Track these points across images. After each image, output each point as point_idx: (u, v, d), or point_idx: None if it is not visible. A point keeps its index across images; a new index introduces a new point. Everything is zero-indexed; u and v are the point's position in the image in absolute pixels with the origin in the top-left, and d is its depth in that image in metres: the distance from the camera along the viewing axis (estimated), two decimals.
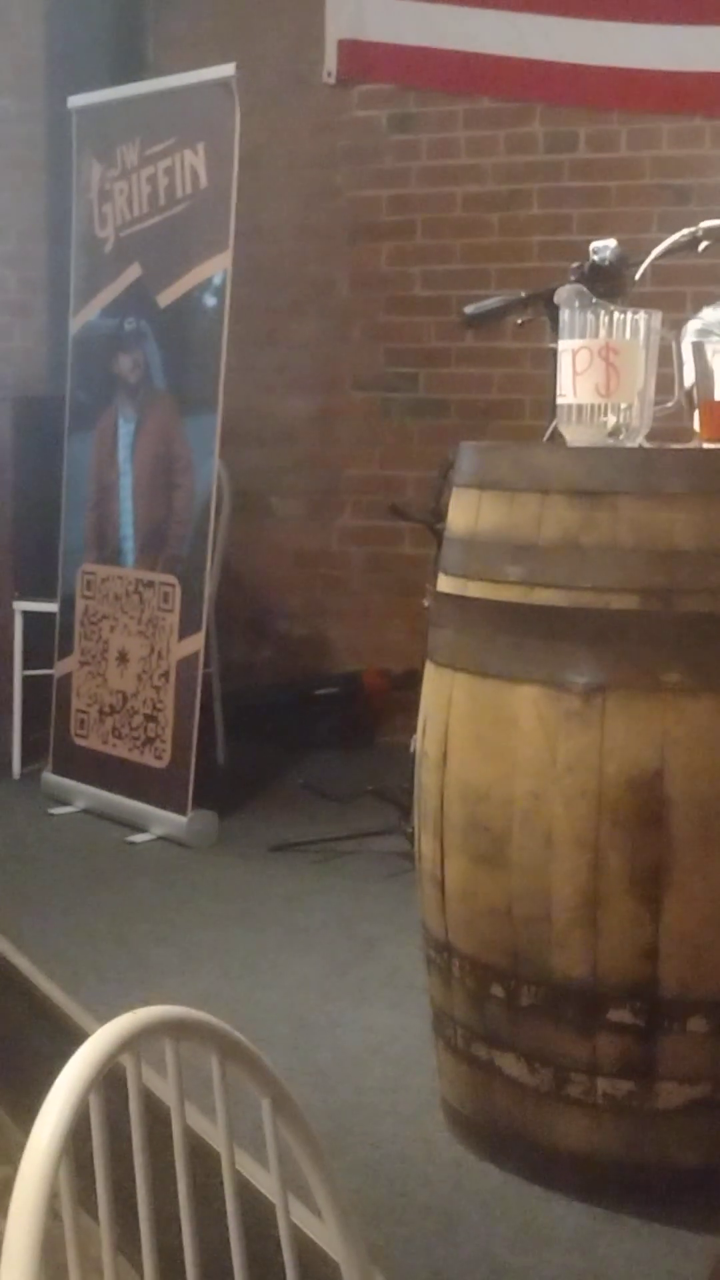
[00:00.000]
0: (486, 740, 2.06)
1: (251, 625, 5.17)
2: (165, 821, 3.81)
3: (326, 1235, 1.14)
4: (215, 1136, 1.06)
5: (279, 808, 4.08)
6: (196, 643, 3.85)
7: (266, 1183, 1.44)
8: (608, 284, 2.70)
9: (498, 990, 2.08)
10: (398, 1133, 2.24)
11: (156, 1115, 1.05)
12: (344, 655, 5.09)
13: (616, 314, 2.17)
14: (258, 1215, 1.08)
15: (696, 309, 3.29)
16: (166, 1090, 1.03)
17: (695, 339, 3.16)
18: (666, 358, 2.31)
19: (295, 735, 4.79)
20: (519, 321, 2.89)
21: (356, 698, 4.93)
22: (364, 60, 4.79)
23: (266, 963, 2.95)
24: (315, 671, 5.09)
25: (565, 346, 2.19)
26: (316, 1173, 1.12)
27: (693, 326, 3.24)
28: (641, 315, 2.16)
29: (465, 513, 2.16)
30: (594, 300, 2.31)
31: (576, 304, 2.28)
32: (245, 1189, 1.08)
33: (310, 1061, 2.48)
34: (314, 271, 5.01)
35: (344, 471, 5.04)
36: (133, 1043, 0.94)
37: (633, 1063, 2.00)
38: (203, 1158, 1.06)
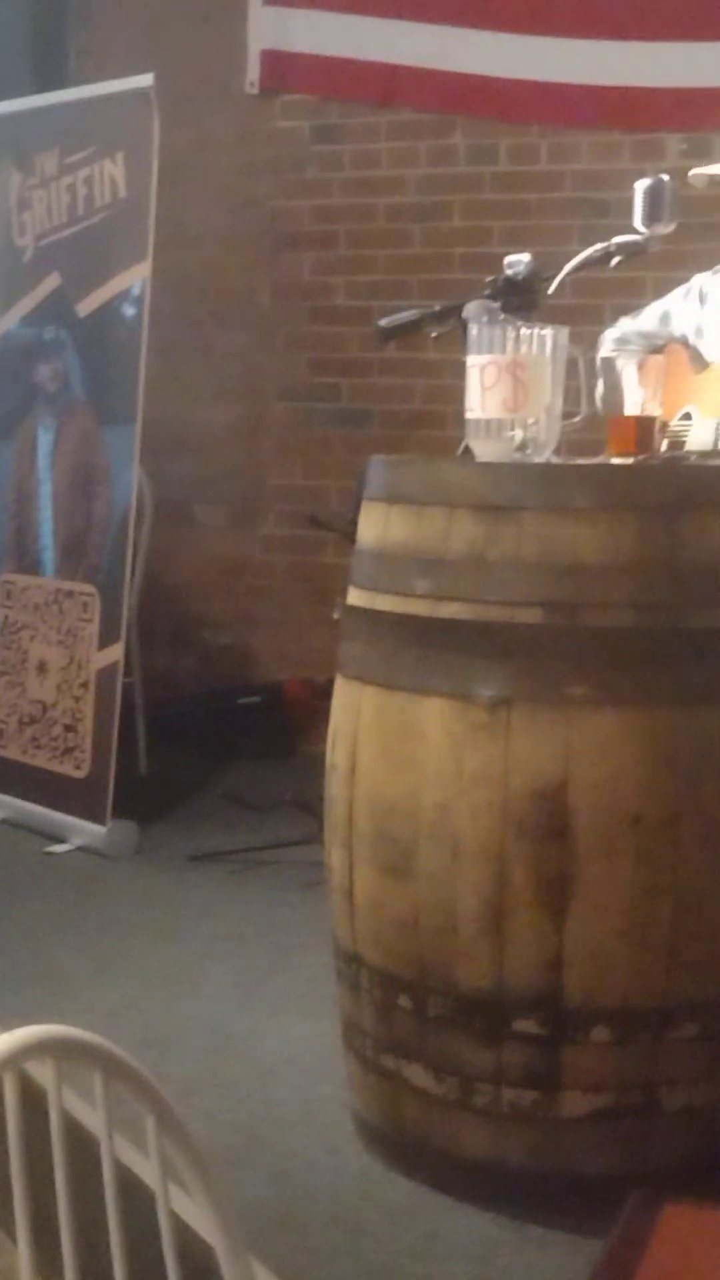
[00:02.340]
0: (394, 753, 2.07)
1: (175, 634, 5.16)
2: (84, 832, 3.79)
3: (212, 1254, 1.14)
4: (104, 1154, 1.06)
5: (200, 817, 4.07)
6: (116, 652, 3.83)
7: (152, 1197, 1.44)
8: (522, 298, 2.71)
9: (405, 1001, 2.09)
10: (307, 1143, 2.25)
11: (46, 1135, 1.05)
12: (267, 664, 5.09)
13: (524, 329, 2.19)
14: (144, 1229, 1.09)
15: (615, 322, 3.33)
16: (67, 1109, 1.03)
17: (610, 352, 3.20)
18: (576, 372, 2.34)
19: (218, 744, 4.79)
20: (434, 334, 2.91)
21: (279, 707, 4.93)
22: (286, 71, 4.80)
23: (183, 973, 2.94)
24: (238, 680, 5.09)
25: (473, 362, 2.21)
26: (202, 1192, 1.12)
27: (609, 336, 3.28)
28: (548, 331, 2.19)
29: (374, 526, 2.18)
30: (502, 316, 2.33)
31: (485, 319, 2.30)
32: (130, 1198, 1.08)
33: (222, 1072, 2.48)
34: (237, 281, 5.01)
35: (267, 481, 5.05)
36: (10, 1062, 0.94)
37: (537, 1072, 2.02)
38: (90, 1179, 1.07)
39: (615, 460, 2.38)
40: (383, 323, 2.87)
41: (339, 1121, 2.29)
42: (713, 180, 2.97)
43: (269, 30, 4.80)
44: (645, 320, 3.22)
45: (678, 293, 3.18)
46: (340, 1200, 2.09)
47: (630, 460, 2.35)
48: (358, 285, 4.85)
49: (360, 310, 4.78)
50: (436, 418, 4.69)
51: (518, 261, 2.74)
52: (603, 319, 3.41)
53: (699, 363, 3.04)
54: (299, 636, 4.98)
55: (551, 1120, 2.03)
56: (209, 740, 4.80)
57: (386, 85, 4.70)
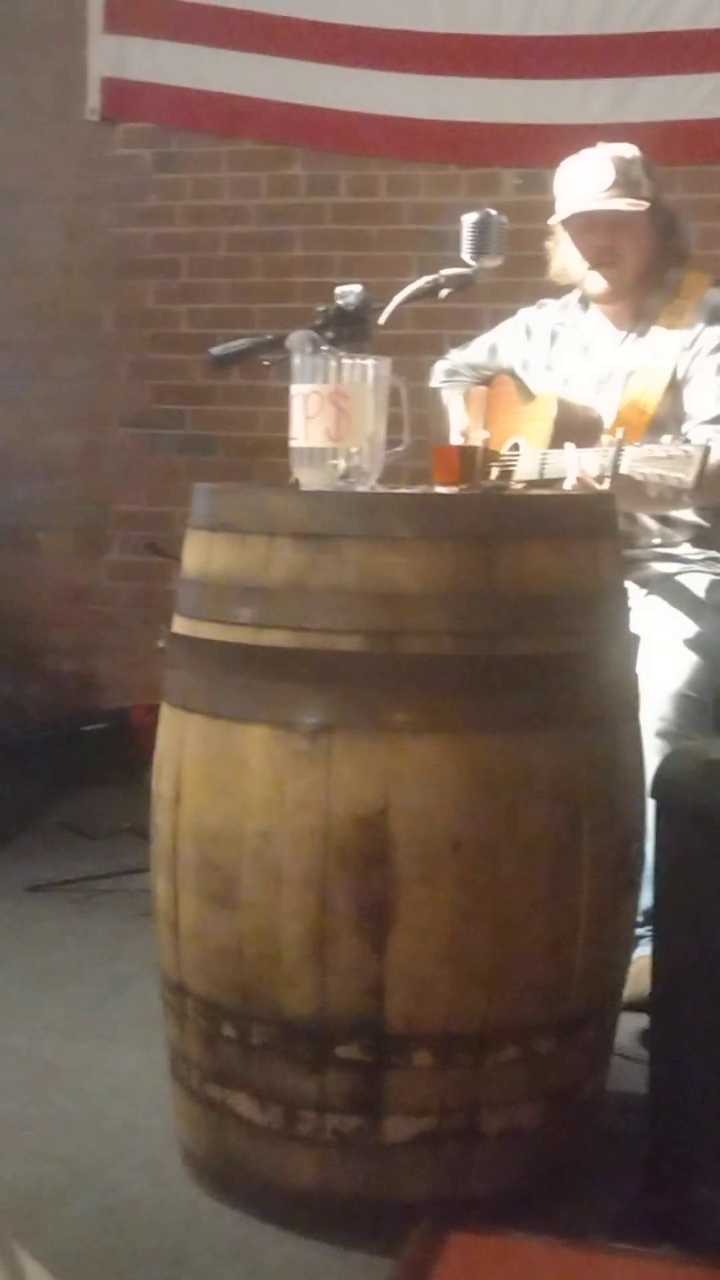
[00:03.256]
0: (218, 780, 2.07)
1: (19, 661, 5.10)
2: None
3: None
4: None
5: (41, 847, 4.02)
6: None
7: None
8: (353, 328, 2.74)
9: (229, 1030, 2.09)
10: (133, 1177, 2.23)
11: None
12: (113, 691, 5.05)
13: (345, 359, 2.21)
14: None
15: (447, 353, 3.38)
16: None
17: (440, 382, 3.25)
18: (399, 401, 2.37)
19: (62, 772, 4.73)
20: (266, 363, 2.93)
21: (124, 734, 4.89)
22: (127, 98, 4.80)
23: (14, 1005, 2.90)
24: (83, 708, 5.04)
25: (297, 391, 2.23)
26: None
27: (440, 367, 3.32)
28: (369, 361, 2.21)
29: (197, 554, 2.18)
30: (325, 346, 2.35)
31: (308, 349, 2.31)
32: None
33: (50, 1106, 2.45)
34: (80, 307, 4.98)
35: (112, 507, 5.02)
36: None
37: (361, 1098, 2.03)
38: None
39: (440, 489, 2.42)
40: (214, 351, 2.88)
41: (167, 1154, 2.27)
42: (612, 217, 2.97)
43: (109, 58, 4.79)
44: (474, 352, 3.28)
45: (505, 326, 3.24)
46: (165, 1234, 2.07)
47: (454, 489, 2.40)
48: (200, 313, 4.86)
49: (203, 338, 4.75)
50: (280, 445, 4.62)
51: (348, 292, 2.77)
52: (441, 349, 3.45)
53: (525, 394, 3.09)
54: (145, 663, 4.94)
55: (375, 1146, 2.04)
56: (53, 768, 4.75)
57: (228, 115, 4.73)
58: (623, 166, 2.94)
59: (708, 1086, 1.97)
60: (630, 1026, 2.41)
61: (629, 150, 2.98)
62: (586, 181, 2.96)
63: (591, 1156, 2.21)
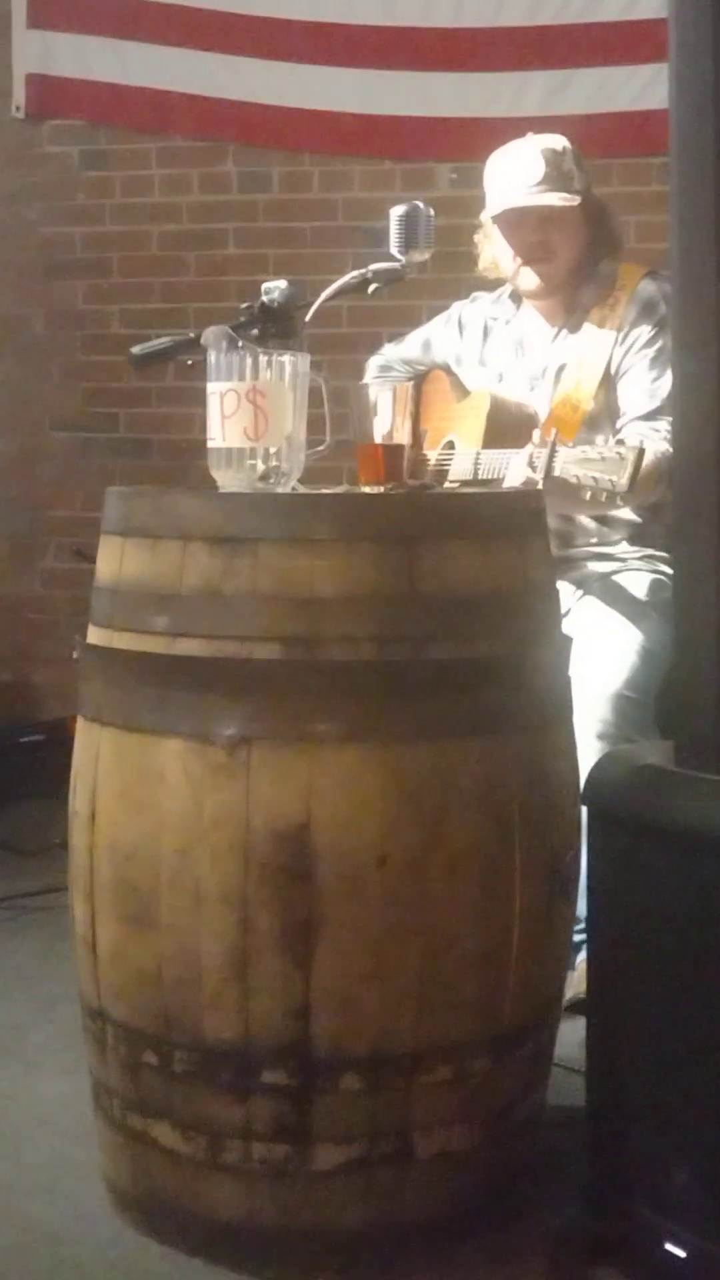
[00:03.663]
0: (133, 797, 1.99)
1: None
2: None
3: None
4: None
5: None
6: None
7: None
8: (279, 324, 2.67)
9: (150, 1057, 2.00)
10: (56, 1210, 2.14)
11: None
12: (50, 702, 4.94)
13: (262, 356, 2.13)
14: None
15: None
16: None
17: (374, 378, 3.17)
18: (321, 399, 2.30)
19: None
20: (189, 362, 2.84)
21: (61, 745, 4.77)
22: (53, 95, 4.71)
23: None
24: (20, 718, 4.93)
25: (213, 389, 2.15)
26: None
27: (374, 363, 3.25)
28: (287, 357, 2.14)
29: (110, 561, 2.10)
30: (241, 342, 2.27)
31: (224, 345, 2.23)
32: None
33: None
34: (9, 309, 4.88)
35: (46, 513, 4.92)
36: None
37: (287, 1125, 1.95)
38: None
39: (366, 489, 2.35)
40: (135, 351, 2.80)
41: (92, 1186, 2.18)
42: (544, 212, 2.90)
43: (34, 54, 4.70)
44: (408, 347, 3.21)
45: (439, 320, 3.17)
46: (85, 1271, 1.99)
47: (379, 489, 2.32)
48: (132, 313, 4.76)
49: (136, 339, 4.57)
50: None
51: (274, 287, 2.70)
52: (377, 347, 3.38)
53: (459, 390, 3.03)
54: None
55: (304, 1174, 1.96)
56: None
57: (157, 111, 4.64)
58: (554, 159, 2.87)
59: (644, 1101, 1.90)
60: (576, 1036, 2.34)
61: (559, 142, 2.91)
62: (517, 175, 2.88)
63: (531, 1176, 2.14)
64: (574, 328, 2.94)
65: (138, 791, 1.98)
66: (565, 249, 2.91)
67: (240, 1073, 1.94)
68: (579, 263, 2.93)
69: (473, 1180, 2.04)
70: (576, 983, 2.22)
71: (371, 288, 2.74)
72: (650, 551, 2.91)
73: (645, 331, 2.85)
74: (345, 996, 1.91)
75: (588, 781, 2.01)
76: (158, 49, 4.60)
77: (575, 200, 2.87)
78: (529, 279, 2.94)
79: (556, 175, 2.87)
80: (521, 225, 2.91)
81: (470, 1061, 1.99)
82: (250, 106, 4.59)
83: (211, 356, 2.16)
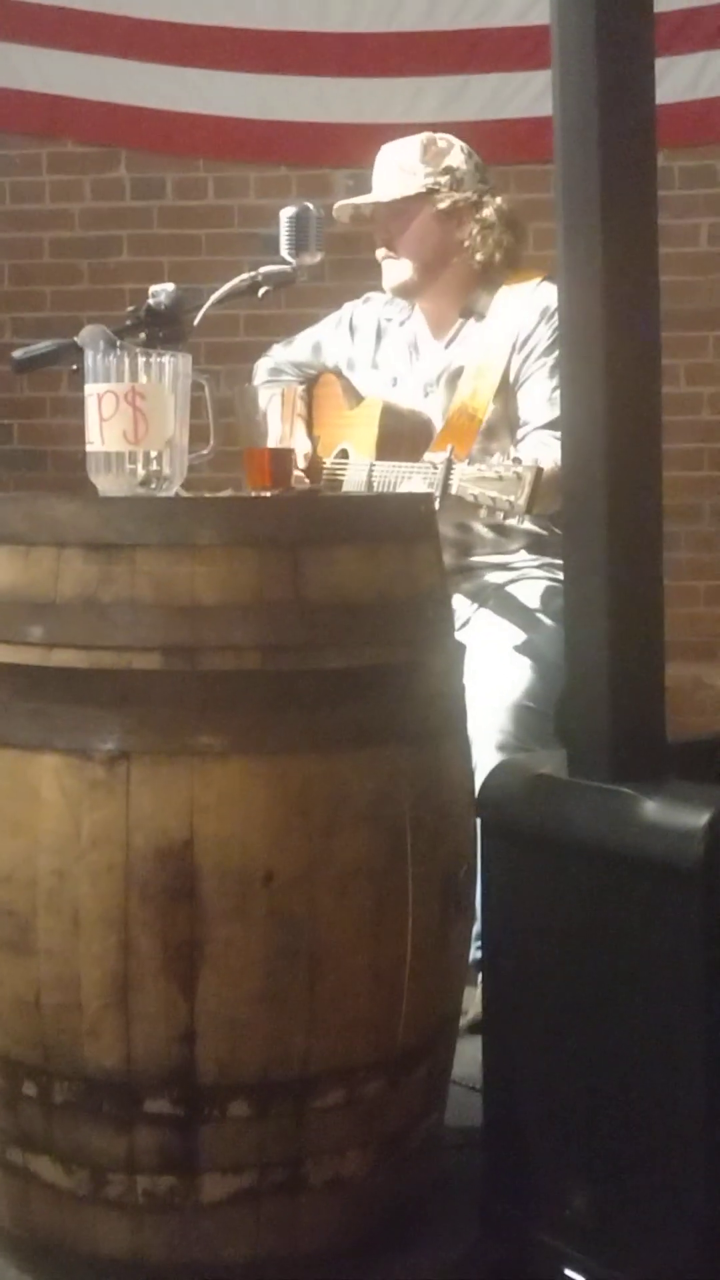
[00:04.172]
0: (7, 816, 1.90)
1: None
2: None
3: None
4: None
5: None
6: None
7: None
8: (168, 329, 2.60)
9: (30, 1089, 1.91)
10: None
11: None
12: None
13: (141, 356, 2.06)
14: None
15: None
16: None
17: (264, 381, 3.11)
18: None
19: None
20: (74, 367, 2.76)
21: None
22: None
23: None
24: None
25: (90, 390, 2.07)
26: None
27: (263, 365, 3.18)
28: (167, 357, 2.06)
29: None
30: (119, 343, 2.20)
31: (101, 345, 2.16)
32: None
33: None
34: None
35: None
36: None
37: (173, 1156, 1.86)
38: None
39: (255, 494, 2.28)
40: (16, 355, 2.70)
41: None
42: (356, 212, 2.90)
43: None
44: (298, 349, 3.14)
45: (329, 321, 3.11)
46: None
47: (265, 494, 2.25)
48: (25, 322, 4.66)
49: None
50: None
51: (160, 290, 2.64)
52: None
53: (352, 395, 2.97)
54: None
55: (191, 1207, 1.88)
56: None
57: (46, 116, 4.56)
58: (397, 156, 2.87)
59: (542, 1122, 1.84)
60: (476, 1053, 2.28)
61: (420, 139, 2.87)
62: (375, 173, 2.87)
63: (429, 1202, 2.07)
64: (470, 331, 2.89)
65: (12, 811, 1.89)
66: (406, 246, 2.86)
67: (123, 1102, 1.86)
68: (429, 263, 2.87)
69: (368, 1209, 1.97)
70: (477, 1001, 2.16)
71: (262, 290, 2.69)
72: (549, 560, 2.87)
73: (544, 338, 2.79)
74: (232, 1020, 1.84)
75: (480, 791, 1.96)
76: (47, 52, 4.51)
77: (388, 196, 2.83)
78: (385, 275, 2.91)
79: (396, 171, 2.84)
80: (373, 220, 2.90)
81: (363, 1085, 1.92)
82: (143, 111, 4.52)
83: (88, 356, 2.08)
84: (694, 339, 4.49)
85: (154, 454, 2.05)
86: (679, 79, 4.28)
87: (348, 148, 4.40)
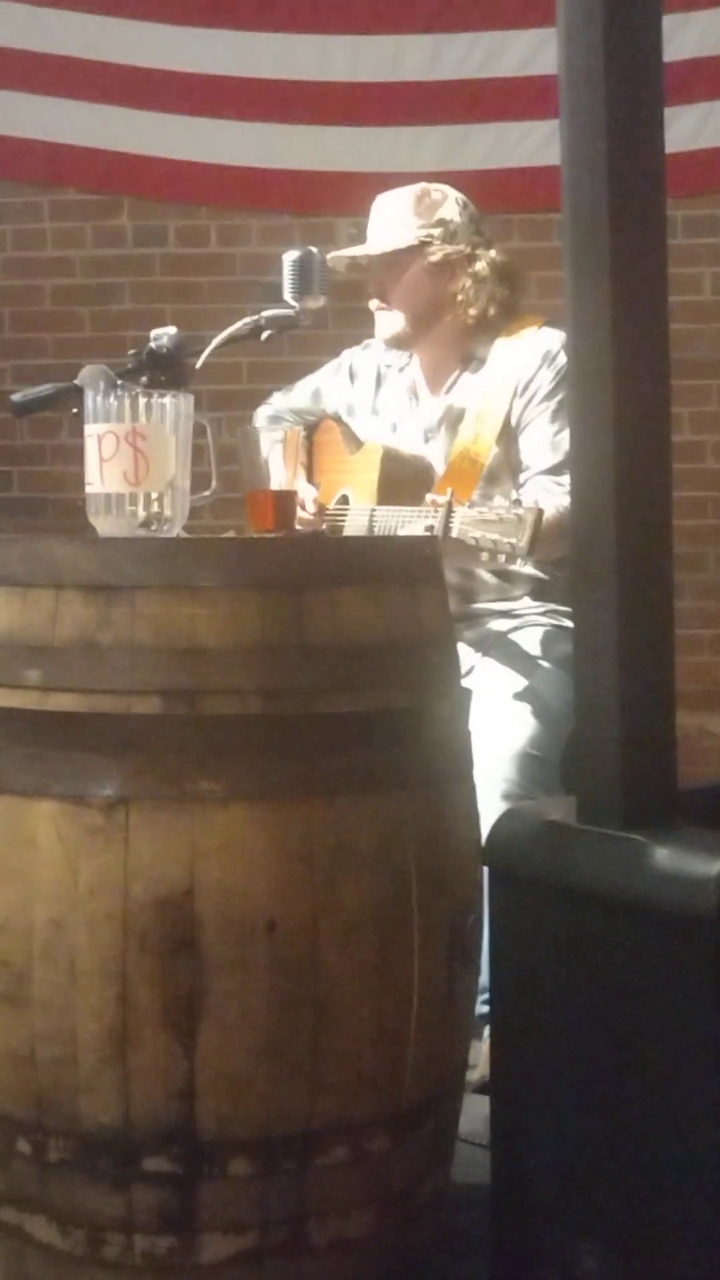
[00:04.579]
0: (4, 864, 1.85)
1: None
2: None
3: None
4: None
5: None
6: None
7: None
8: (169, 372, 2.58)
9: (24, 1146, 1.86)
10: None
11: None
12: None
13: (142, 397, 2.03)
14: None
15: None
16: None
17: (266, 425, 3.08)
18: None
19: None
20: (74, 410, 2.74)
21: None
22: None
23: None
24: None
25: (90, 431, 2.04)
26: None
27: (262, 413, 3.16)
28: (168, 398, 2.04)
29: None
30: (119, 382, 2.17)
31: (101, 385, 2.13)
32: None
33: None
34: None
35: None
36: None
37: (172, 1216, 1.81)
38: None
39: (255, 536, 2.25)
40: (15, 398, 2.69)
41: None
42: (353, 263, 2.88)
43: None
44: (298, 396, 3.12)
45: (329, 368, 3.09)
46: None
47: (268, 536, 2.22)
48: (26, 370, 4.64)
49: None
50: None
51: (162, 334, 2.62)
52: None
53: (352, 441, 2.94)
54: None
55: (190, 1269, 1.82)
56: None
57: (48, 164, 4.56)
58: (392, 207, 2.85)
59: (550, 1180, 1.79)
60: (483, 1110, 2.22)
61: (414, 190, 2.85)
62: (370, 223, 2.87)
63: (436, 1262, 2.01)
64: (471, 377, 2.87)
65: (8, 858, 1.85)
66: (398, 298, 2.84)
67: (120, 1160, 1.81)
68: (421, 315, 2.84)
69: (373, 1268, 1.91)
70: (484, 1061, 2.11)
71: (265, 334, 2.67)
72: (553, 606, 2.83)
73: (545, 383, 2.77)
74: (233, 1075, 1.79)
75: (487, 839, 1.91)
76: (50, 100, 4.52)
77: (380, 248, 2.81)
78: (377, 326, 2.89)
79: (384, 223, 2.83)
80: (368, 271, 2.88)
81: (368, 1141, 1.87)
82: (145, 160, 4.53)
83: (88, 396, 2.06)
84: (699, 387, 4.48)
85: (155, 495, 2.02)
86: (683, 129, 4.28)
87: (350, 196, 4.39)
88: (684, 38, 4.25)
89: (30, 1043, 1.83)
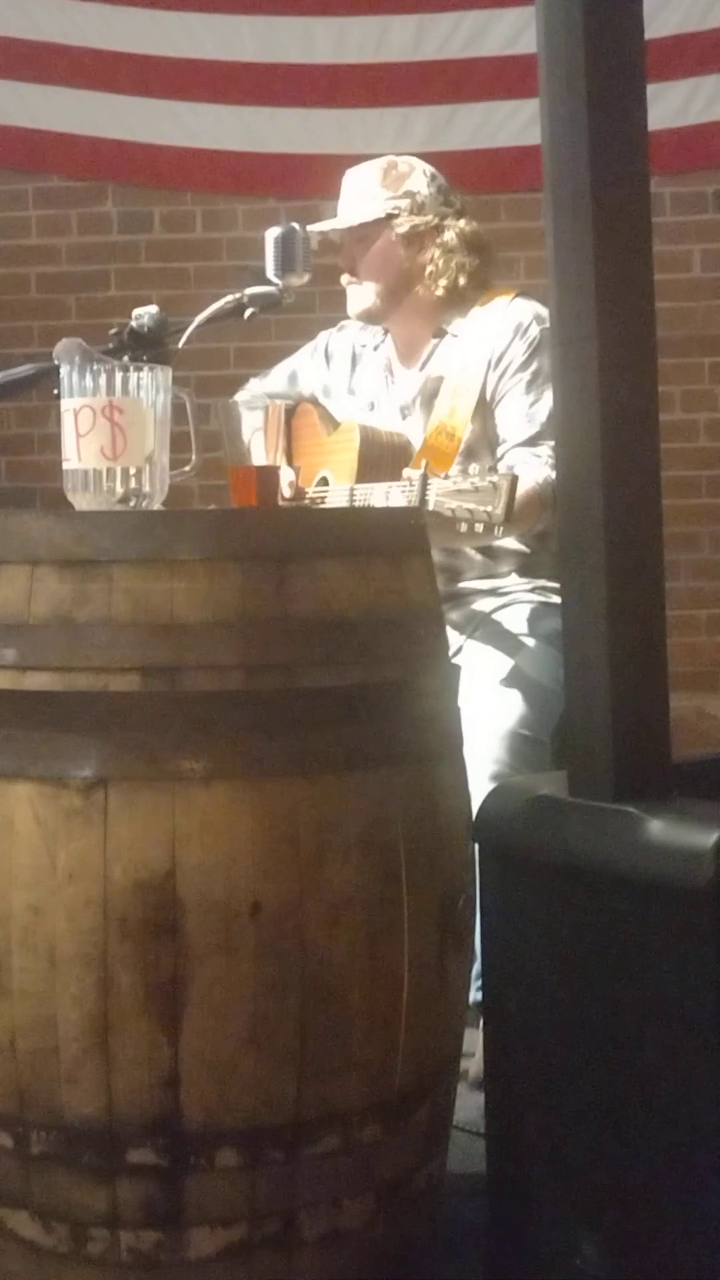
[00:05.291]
0: None
1: None
2: None
3: None
4: None
5: None
6: None
7: None
8: (151, 350, 2.53)
9: (5, 1139, 1.81)
10: None
11: None
12: None
13: (119, 370, 1.98)
14: None
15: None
16: None
17: (246, 398, 3.03)
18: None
19: None
20: (55, 391, 2.69)
21: None
22: None
23: None
24: None
25: (67, 405, 1.99)
26: None
27: (238, 399, 3.11)
28: (146, 371, 1.98)
29: None
30: (95, 355, 2.12)
31: (77, 359, 2.08)
32: None
33: None
34: None
35: None
36: None
37: (158, 1209, 1.76)
38: None
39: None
40: None
41: None
42: (325, 239, 2.82)
43: None
44: (274, 381, 3.08)
45: (304, 351, 3.05)
46: None
47: None
48: (12, 358, 4.56)
49: None
50: None
51: (144, 312, 2.59)
52: None
53: (329, 423, 2.90)
54: None
55: (177, 1263, 1.76)
56: None
57: (32, 150, 4.52)
58: (360, 180, 2.83)
59: (547, 1167, 1.74)
60: (477, 1098, 2.18)
61: (380, 162, 2.83)
62: (340, 198, 2.85)
63: (431, 1253, 1.97)
64: (444, 352, 2.82)
65: None
66: (368, 271, 2.80)
67: (104, 1153, 1.76)
68: (392, 287, 2.80)
69: (367, 1261, 1.86)
70: (481, 1052, 2.06)
71: (248, 312, 2.63)
72: (541, 582, 2.79)
73: (519, 355, 2.72)
74: (218, 1062, 1.74)
75: (477, 816, 1.86)
76: (32, 87, 4.48)
77: (348, 222, 2.78)
78: (348, 301, 2.84)
79: (354, 195, 2.79)
80: (336, 248, 2.86)
81: (359, 1130, 1.81)
82: (130, 145, 4.48)
83: (64, 370, 2.01)
84: (688, 365, 4.43)
85: (133, 470, 1.97)
86: (669, 105, 4.24)
87: (335, 179, 4.35)
88: (668, 14, 4.20)
89: (10, 1033, 1.77)
